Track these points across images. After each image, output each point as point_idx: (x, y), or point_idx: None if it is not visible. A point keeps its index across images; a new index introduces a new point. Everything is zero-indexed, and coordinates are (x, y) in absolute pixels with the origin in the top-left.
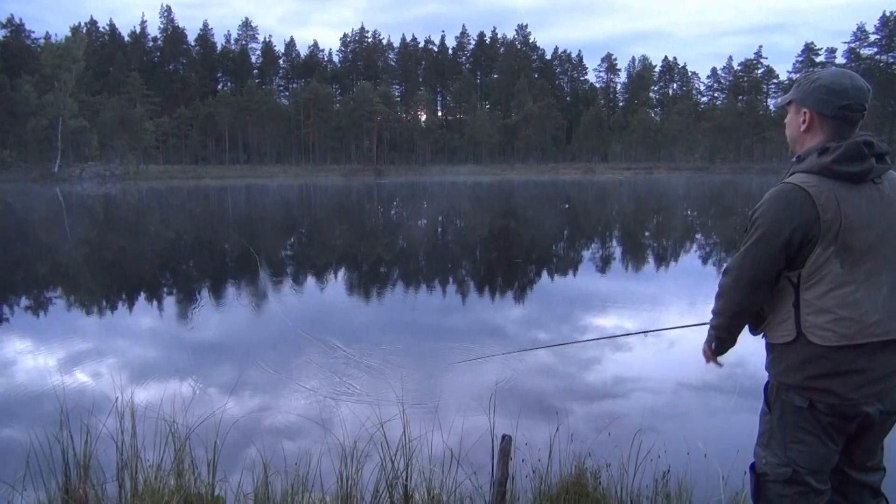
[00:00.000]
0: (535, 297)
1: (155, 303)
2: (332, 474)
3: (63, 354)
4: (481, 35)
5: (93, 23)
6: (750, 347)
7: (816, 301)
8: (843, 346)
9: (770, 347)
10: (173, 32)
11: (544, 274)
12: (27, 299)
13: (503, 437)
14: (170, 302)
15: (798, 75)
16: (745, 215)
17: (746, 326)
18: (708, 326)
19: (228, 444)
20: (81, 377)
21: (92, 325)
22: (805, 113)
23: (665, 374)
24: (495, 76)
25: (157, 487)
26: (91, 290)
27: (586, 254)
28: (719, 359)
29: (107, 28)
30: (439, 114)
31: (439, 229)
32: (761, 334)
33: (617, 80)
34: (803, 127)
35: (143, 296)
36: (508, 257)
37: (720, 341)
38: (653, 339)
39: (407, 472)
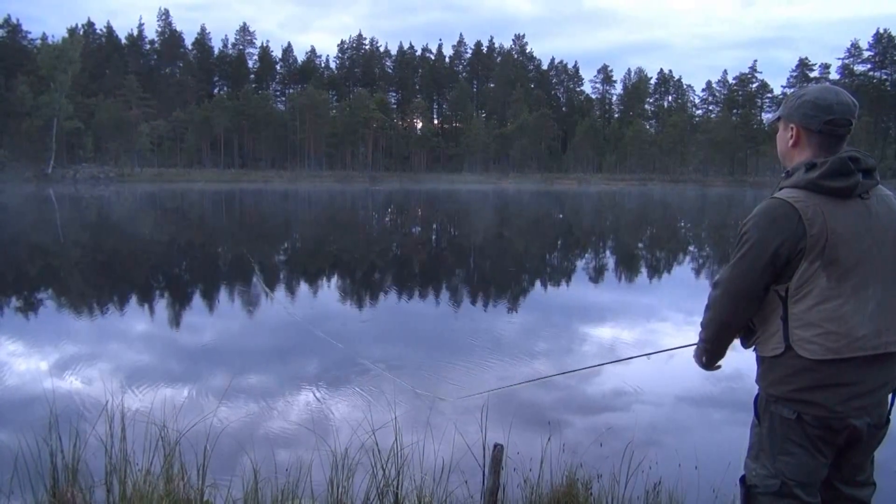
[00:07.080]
0: (530, 306)
1: (147, 306)
2: (322, 481)
3: (54, 358)
4: (478, 44)
5: (90, 24)
6: (744, 361)
7: (804, 315)
8: (831, 359)
9: (760, 360)
10: (171, 36)
11: (538, 284)
12: (18, 301)
13: (495, 445)
14: (162, 305)
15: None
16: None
17: (738, 340)
18: (698, 340)
19: (219, 450)
20: (72, 381)
21: (83, 328)
22: (792, 129)
23: (658, 388)
24: (491, 85)
25: (146, 492)
26: (83, 293)
27: (580, 264)
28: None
29: (104, 30)
30: (435, 122)
31: (433, 236)
32: (752, 347)
33: (613, 91)
34: (791, 143)
35: (135, 299)
36: (503, 266)
37: (710, 354)
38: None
39: (398, 480)
